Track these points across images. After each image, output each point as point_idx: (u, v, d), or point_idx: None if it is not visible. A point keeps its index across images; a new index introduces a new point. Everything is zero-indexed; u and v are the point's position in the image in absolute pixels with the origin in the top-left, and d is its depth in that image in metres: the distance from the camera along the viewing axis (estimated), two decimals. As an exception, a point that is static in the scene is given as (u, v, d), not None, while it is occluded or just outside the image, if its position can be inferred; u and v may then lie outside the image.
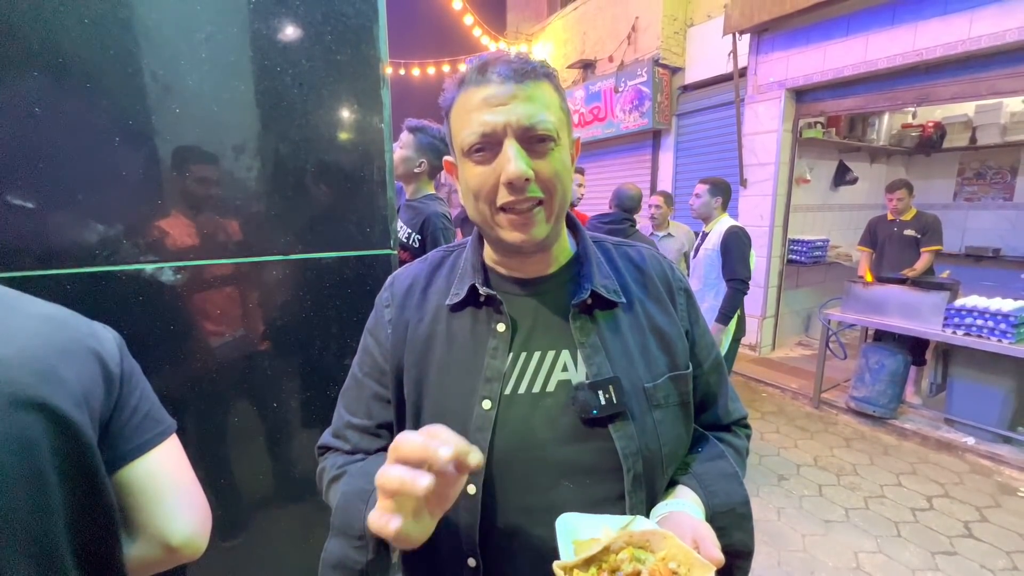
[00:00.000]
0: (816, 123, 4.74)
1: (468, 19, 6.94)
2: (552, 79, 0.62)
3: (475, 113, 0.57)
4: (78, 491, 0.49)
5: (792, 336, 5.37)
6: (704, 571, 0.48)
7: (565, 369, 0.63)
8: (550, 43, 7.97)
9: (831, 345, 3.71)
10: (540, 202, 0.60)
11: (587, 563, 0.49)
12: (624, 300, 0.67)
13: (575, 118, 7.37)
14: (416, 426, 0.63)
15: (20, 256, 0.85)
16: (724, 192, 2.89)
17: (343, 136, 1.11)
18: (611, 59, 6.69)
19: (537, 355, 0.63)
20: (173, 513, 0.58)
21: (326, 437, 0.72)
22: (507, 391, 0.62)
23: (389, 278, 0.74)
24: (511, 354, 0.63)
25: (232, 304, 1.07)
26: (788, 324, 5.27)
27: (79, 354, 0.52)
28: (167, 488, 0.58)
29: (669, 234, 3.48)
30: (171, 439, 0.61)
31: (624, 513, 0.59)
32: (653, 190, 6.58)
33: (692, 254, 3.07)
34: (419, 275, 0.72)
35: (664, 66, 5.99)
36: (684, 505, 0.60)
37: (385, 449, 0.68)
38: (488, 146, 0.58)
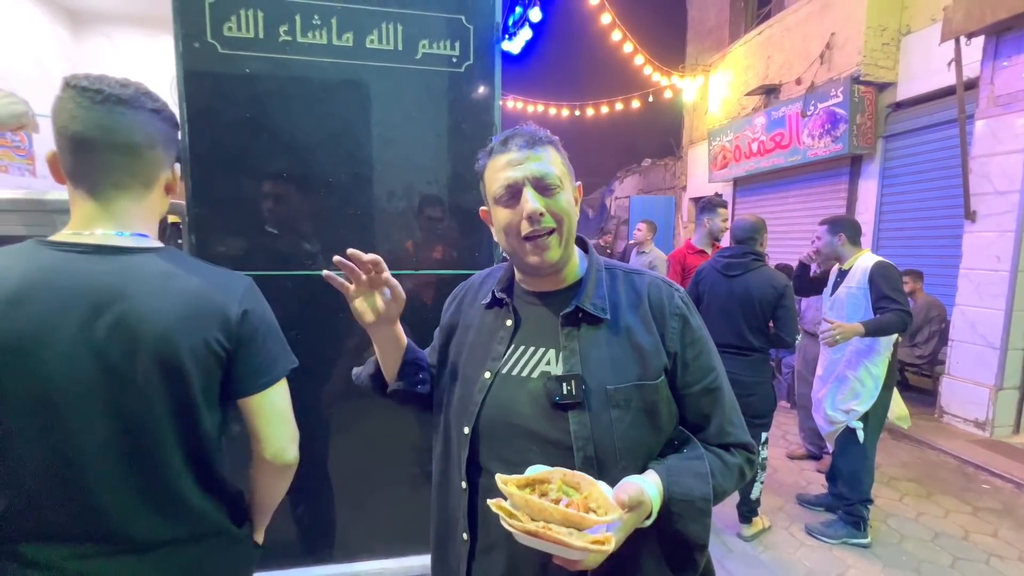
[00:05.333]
0: (1098, 137, 3.57)
1: (639, 59, 7.15)
2: (555, 144, 0.82)
3: (501, 172, 0.79)
4: (178, 400, 0.75)
5: (1055, 420, 3.97)
6: (615, 512, 0.62)
7: (548, 363, 0.80)
8: (729, 72, 7.63)
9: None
10: (553, 231, 0.78)
11: (526, 484, 0.66)
12: (609, 317, 0.80)
13: (754, 146, 6.88)
14: (452, 383, 0.89)
15: (265, 262, 1.37)
16: (846, 227, 2.53)
17: (461, 181, 1.45)
18: (799, 81, 6.10)
19: (532, 349, 0.82)
20: (273, 435, 0.84)
21: None
22: (503, 371, 0.82)
23: (472, 276, 1.02)
24: (512, 345, 0.83)
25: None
26: (1049, 403, 3.93)
27: (204, 319, 0.76)
28: (271, 417, 0.84)
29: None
30: (281, 383, 0.85)
31: None
32: (848, 224, 5.67)
33: (829, 291, 2.66)
34: (476, 281, 0.98)
35: (866, 83, 5.22)
36: (642, 481, 0.71)
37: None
38: (512, 194, 0.78)
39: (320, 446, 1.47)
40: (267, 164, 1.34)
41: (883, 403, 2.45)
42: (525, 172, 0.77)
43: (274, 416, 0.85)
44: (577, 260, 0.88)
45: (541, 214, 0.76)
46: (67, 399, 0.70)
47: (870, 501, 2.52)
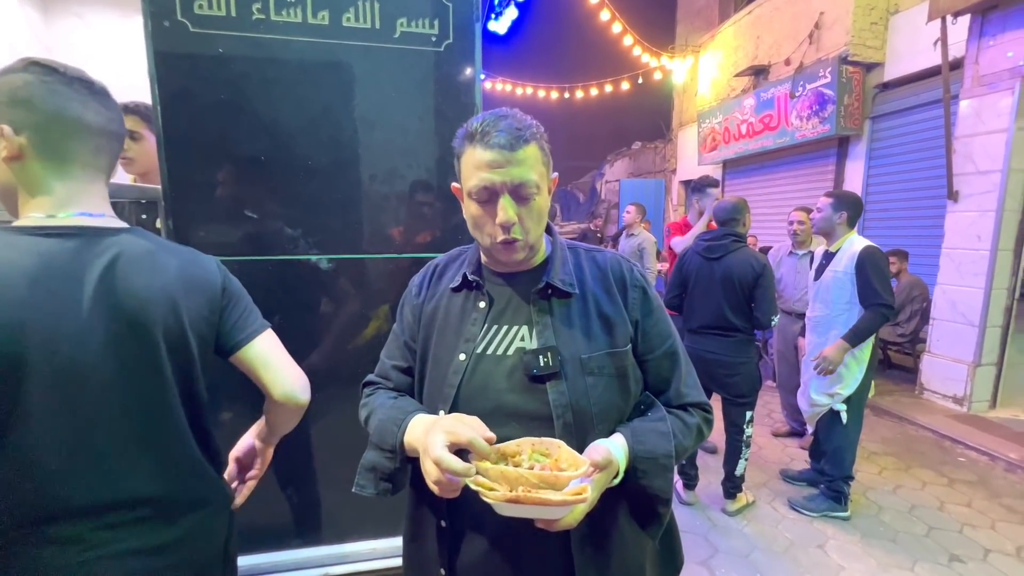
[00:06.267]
0: (1078, 117, 3.61)
1: (629, 40, 7.07)
2: (538, 139, 0.79)
3: (480, 171, 0.76)
4: (181, 366, 0.81)
5: (1031, 394, 4.09)
6: (585, 466, 0.65)
7: (523, 339, 0.81)
8: (719, 52, 7.58)
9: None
10: (521, 238, 0.79)
11: (499, 459, 0.68)
12: (577, 291, 0.84)
13: (743, 128, 6.88)
14: (423, 368, 0.88)
15: (245, 247, 1.36)
16: (850, 207, 2.50)
17: (443, 164, 1.44)
18: (788, 62, 6.09)
19: (505, 328, 0.83)
20: (274, 379, 0.89)
21: (371, 377, 0.97)
22: (479, 351, 0.82)
23: (425, 266, 1.00)
24: (486, 325, 0.84)
25: (364, 286, 1.48)
26: (1022, 377, 4.05)
27: (195, 291, 0.83)
28: (266, 363, 0.90)
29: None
30: (265, 334, 0.91)
31: None
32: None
33: (813, 276, 2.69)
34: (440, 263, 0.97)
35: (854, 63, 5.23)
36: (609, 443, 0.74)
37: (411, 387, 0.93)
38: (489, 197, 0.78)
39: (307, 430, 1.48)
40: (245, 147, 1.32)
41: (866, 385, 2.50)
42: (505, 178, 0.76)
43: (270, 361, 0.91)
44: (543, 242, 0.89)
45: (513, 223, 0.78)
46: (89, 375, 0.74)
47: (851, 478, 2.60)
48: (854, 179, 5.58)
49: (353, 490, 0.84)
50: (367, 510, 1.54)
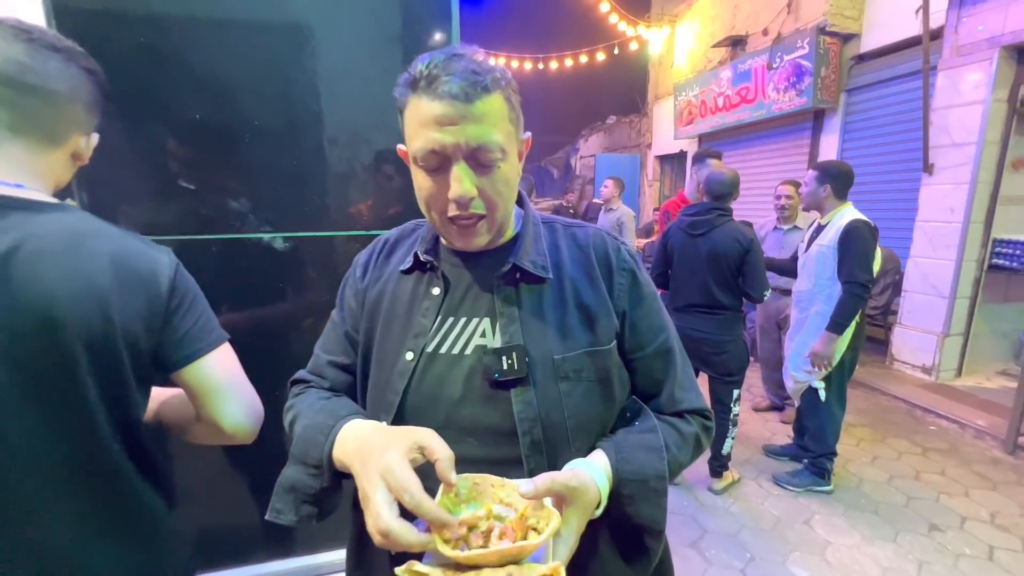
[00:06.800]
0: (1050, 89, 3.63)
1: (605, 6, 6.82)
2: (504, 88, 0.62)
3: (426, 129, 0.59)
4: (109, 380, 0.65)
5: (993, 363, 4.24)
6: (555, 520, 0.53)
7: (483, 335, 0.66)
8: (696, 22, 7.41)
9: (1041, 377, 2.87)
10: (483, 216, 0.64)
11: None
12: (552, 276, 0.68)
13: (719, 101, 6.78)
14: (366, 366, 0.73)
15: (182, 225, 1.15)
16: (836, 179, 2.42)
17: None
18: (765, 32, 5.97)
19: (463, 320, 0.68)
20: (224, 408, 0.73)
21: (302, 374, 0.80)
22: (430, 348, 0.67)
23: (373, 242, 0.82)
24: (439, 316, 0.68)
25: (328, 268, 1.30)
26: (987, 347, 4.18)
27: (133, 287, 0.66)
28: (217, 387, 0.73)
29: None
30: (220, 349, 0.74)
31: (523, 476, 0.60)
32: (809, 179, 5.73)
33: (803, 248, 2.64)
34: (390, 239, 0.80)
35: (832, 34, 5.15)
36: (587, 464, 0.61)
37: (353, 388, 0.76)
38: (439, 163, 0.61)
39: (272, 433, 1.31)
40: (175, 104, 1.10)
41: (849, 363, 2.46)
42: (458, 139, 0.59)
43: (223, 385, 0.74)
44: (512, 218, 0.73)
45: (471, 198, 0.61)
46: None
47: (834, 454, 2.60)
48: (828, 153, 5.57)
49: (267, 517, 0.65)
50: (340, 518, 1.40)
